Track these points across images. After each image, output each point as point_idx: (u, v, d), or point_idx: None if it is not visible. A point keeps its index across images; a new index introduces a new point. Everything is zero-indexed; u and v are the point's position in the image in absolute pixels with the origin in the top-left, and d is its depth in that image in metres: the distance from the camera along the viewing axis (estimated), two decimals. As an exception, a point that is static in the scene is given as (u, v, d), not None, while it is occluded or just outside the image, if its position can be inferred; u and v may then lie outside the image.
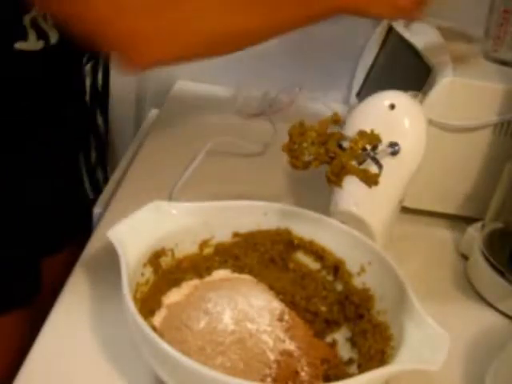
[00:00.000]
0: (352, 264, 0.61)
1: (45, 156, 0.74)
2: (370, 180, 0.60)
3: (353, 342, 0.58)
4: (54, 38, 0.66)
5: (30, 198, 0.73)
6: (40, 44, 0.65)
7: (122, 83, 1.11)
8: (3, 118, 0.67)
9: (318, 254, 0.63)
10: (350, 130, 0.63)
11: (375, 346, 0.54)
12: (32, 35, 0.64)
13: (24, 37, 0.63)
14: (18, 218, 0.73)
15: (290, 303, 0.60)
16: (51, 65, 0.70)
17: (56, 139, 0.75)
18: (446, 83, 0.75)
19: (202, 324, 0.54)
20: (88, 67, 0.81)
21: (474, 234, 0.76)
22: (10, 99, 0.67)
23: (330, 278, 0.62)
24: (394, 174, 0.65)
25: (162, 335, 0.50)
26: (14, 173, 0.71)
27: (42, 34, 0.65)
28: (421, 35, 0.90)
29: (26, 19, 0.63)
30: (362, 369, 0.54)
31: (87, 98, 0.86)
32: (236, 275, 0.64)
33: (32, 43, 0.64)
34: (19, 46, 0.63)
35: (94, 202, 0.81)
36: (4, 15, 0.62)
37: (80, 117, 0.79)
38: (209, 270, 0.63)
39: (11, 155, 0.70)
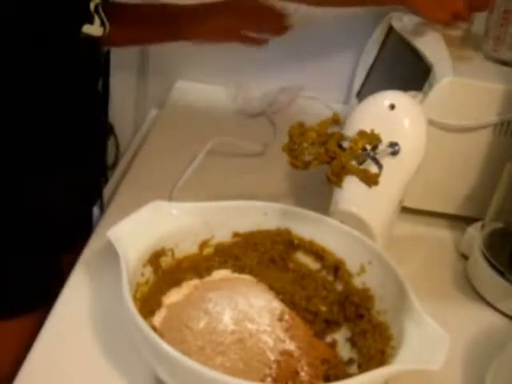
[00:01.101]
0: (352, 264, 0.61)
1: (45, 156, 0.74)
2: (370, 180, 0.60)
3: (353, 342, 0.58)
4: (107, 28, 0.68)
5: (30, 198, 0.73)
6: (101, 31, 0.67)
7: (121, 83, 1.11)
8: (9, 114, 0.67)
9: (318, 254, 0.63)
10: (350, 130, 0.63)
11: (375, 346, 0.54)
12: (97, 20, 0.67)
13: (91, 20, 0.66)
14: (17, 219, 0.73)
15: (290, 303, 0.60)
16: (94, 57, 0.72)
17: (56, 139, 0.75)
18: (446, 83, 0.75)
19: (202, 324, 0.54)
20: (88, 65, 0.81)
21: (474, 234, 0.76)
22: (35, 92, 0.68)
23: (330, 278, 0.62)
24: (394, 174, 0.65)
25: (161, 335, 0.50)
26: (14, 173, 0.71)
27: (102, 22, 0.68)
28: (421, 35, 0.90)
29: (92, 5, 0.66)
30: (362, 369, 0.54)
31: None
32: (236, 275, 0.64)
33: (96, 28, 0.67)
34: (86, 29, 0.66)
35: (94, 201, 0.81)
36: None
37: (81, 116, 0.79)
38: (209, 270, 0.63)
39: (11, 155, 0.70)
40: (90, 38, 0.68)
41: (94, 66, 0.78)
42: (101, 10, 0.69)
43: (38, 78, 0.68)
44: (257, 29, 0.91)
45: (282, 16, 0.92)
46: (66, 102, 0.74)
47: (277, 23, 0.92)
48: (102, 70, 0.83)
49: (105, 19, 0.69)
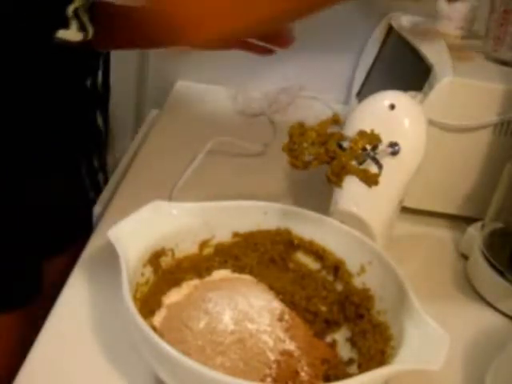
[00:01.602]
0: (352, 264, 0.61)
1: (45, 156, 0.74)
2: (370, 180, 0.60)
3: (353, 341, 0.58)
4: (90, 32, 0.68)
5: (30, 198, 0.73)
6: (80, 35, 0.66)
7: (122, 83, 1.11)
8: (8, 113, 0.67)
9: (318, 254, 0.63)
10: (350, 130, 0.63)
11: (375, 346, 0.54)
12: (74, 25, 0.65)
13: (66, 25, 0.65)
14: (17, 219, 0.73)
15: (290, 303, 0.60)
16: (79, 60, 0.71)
17: (56, 139, 0.75)
18: (446, 83, 0.75)
19: (202, 324, 0.54)
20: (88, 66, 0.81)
21: (474, 234, 0.76)
22: (26, 93, 0.68)
23: (330, 278, 0.62)
24: (394, 174, 0.65)
25: (161, 335, 0.50)
26: (14, 173, 0.71)
27: (82, 27, 0.66)
28: (421, 35, 0.90)
29: (70, 9, 0.64)
30: (362, 369, 0.54)
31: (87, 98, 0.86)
32: (236, 275, 0.64)
33: (73, 33, 0.65)
34: (61, 34, 0.65)
35: (94, 201, 0.81)
36: (48, 2, 0.63)
37: (80, 117, 0.79)
38: (209, 270, 0.63)
39: (11, 155, 0.70)
40: (68, 43, 0.67)
41: (92, 66, 0.78)
42: (82, 14, 0.67)
43: (35, 77, 0.68)
44: (263, 38, 0.90)
45: (287, 29, 0.91)
46: (65, 102, 0.74)
47: (282, 36, 0.91)
48: (101, 69, 0.83)
49: (86, 23, 0.68)
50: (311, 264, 0.63)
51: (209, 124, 1.02)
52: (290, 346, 0.54)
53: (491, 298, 0.70)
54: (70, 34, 0.65)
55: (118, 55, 0.93)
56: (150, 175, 0.85)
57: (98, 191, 0.85)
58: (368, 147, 0.61)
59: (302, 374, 0.52)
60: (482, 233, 0.74)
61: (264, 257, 0.64)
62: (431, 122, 0.74)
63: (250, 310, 0.56)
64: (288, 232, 0.64)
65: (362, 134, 0.61)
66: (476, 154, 0.79)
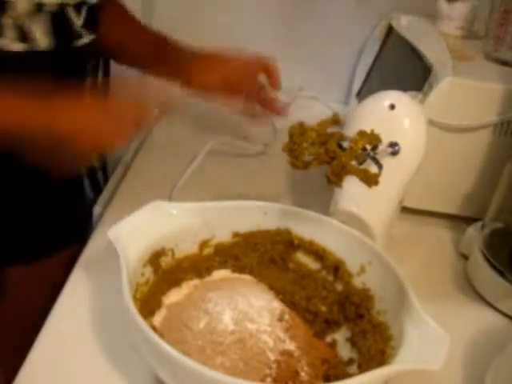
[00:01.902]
0: (352, 264, 0.61)
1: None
2: (370, 180, 0.60)
3: (353, 341, 0.58)
4: (44, 43, 0.66)
5: (30, 198, 0.73)
6: (22, 46, 0.65)
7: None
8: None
9: (318, 254, 0.63)
10: (350, 130, 0.63)
11: (375, 346, 0.54)
12: (12, 34, 0.64)
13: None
14: (17, 218, 0.73)
15: (290, 303, 0.60)
16: (51, 68, 0.70)
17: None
18: (446, 83, 0.75)
19: (202, 324, 0.54)
20: (88, 67, 0.81)
21: (474, 234, 0.76)
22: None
23: (330, 278, 0.62)
24: (394, 174, 0.65)
25: (161, 335, 0.50)
26: (13, 173, 0.71)
27: (24, 37, 0.65)
28: (421, 35, 0.90)
29: (7, 19, 0.63)
30: (362, 369, 0.54)
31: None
32: (236, 275, 0.64)
33: (8, 42, 0.64)
34: None
35: (94, 201, 0.81)
36: None
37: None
38: (209, 270, 0.63)
39: (11, 155, 0.70)
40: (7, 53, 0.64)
41: (92, 66, 0.78)
42: (30, 25, 0.65)
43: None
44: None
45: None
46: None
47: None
48: (101, 69, 0.83)
49: (37, 35, 0.66)
50: (311, 264, 0.63)
51: (209, 124, 1.02)
52: (290, 346, 0.54)
53: (491, 298, 0.70)
54: (6, 43, 0.64)
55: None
56: (150, 175, 0.85)
57: (98, 191, 0.85)
58: (368, 147, 0.61)
59: (302, 373, 0.52)
60: (482, 233, 0.74)
61: (264, 257, 0.64)
62: (431, 122, 0.74)
63: (250, 310, 0.56)
64: (288, 232, 0.64)
65: (362, 134, 0.61)
66: (476, 154, 0.79)
